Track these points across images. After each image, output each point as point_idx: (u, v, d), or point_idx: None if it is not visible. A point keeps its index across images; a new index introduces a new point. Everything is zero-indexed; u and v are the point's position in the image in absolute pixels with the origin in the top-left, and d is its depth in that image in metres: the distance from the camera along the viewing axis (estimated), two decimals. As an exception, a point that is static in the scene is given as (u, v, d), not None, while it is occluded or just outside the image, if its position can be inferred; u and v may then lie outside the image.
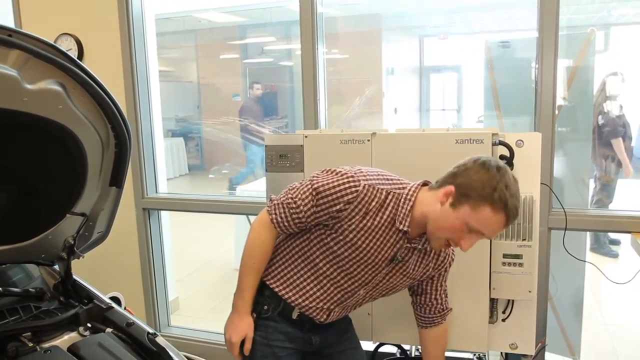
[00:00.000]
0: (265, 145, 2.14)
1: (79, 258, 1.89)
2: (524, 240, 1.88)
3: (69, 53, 1.37)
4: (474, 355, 2.24)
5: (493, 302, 1.97)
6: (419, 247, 1.59)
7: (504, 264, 1.91)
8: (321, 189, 1.51)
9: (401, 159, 1.95)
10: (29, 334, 1.63)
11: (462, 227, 1.43)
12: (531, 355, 2.03)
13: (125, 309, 1.90)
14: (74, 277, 1.88)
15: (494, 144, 1.86)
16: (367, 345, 2.25)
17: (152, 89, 3.25)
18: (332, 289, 1.62)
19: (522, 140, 1.90)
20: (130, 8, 3.06)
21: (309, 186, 1.54)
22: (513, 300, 1.97)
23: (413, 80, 9.01)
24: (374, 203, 1.51)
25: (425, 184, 1.56)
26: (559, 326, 2.92)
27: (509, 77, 3.15)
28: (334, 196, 1.50)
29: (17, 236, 1.75)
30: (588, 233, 3.96)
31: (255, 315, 1.66)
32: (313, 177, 1.57)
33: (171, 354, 1.61)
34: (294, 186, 1.58)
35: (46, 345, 1.62)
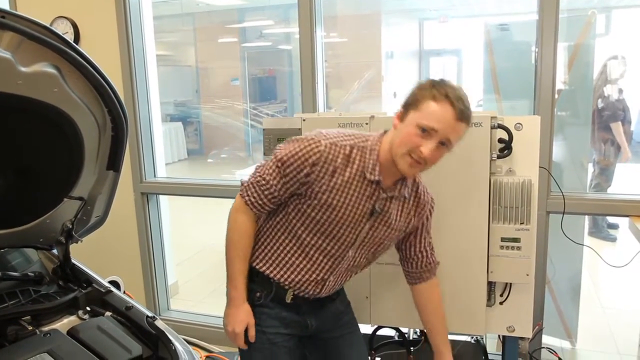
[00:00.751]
0: (263, 129, 2.13)
1: (77, 242, 1.89)
2: (522, 223, 1.88)
3: (63, 35, 1.35)
4: (472, 337, 2.25)
5: (491, 285, 1.98)
6: (396, 194, 1.59)
7: (502, 247, 1.91)
8: (285, 158, 1.51)
9: (400, 142, 1.94)
10: (29, 317, 1.65)
11: (415, 130, 1.44)
12: (528, 338, 2.04)
13: (124, 293, 1.91)
14: (73, 261, 1.88)
15: (492, 127, 1.85)
16: (365, 328, 2.27)
17: (150, 73, 3.23)
18: (320, 257, 1.61)
19: (521, 124, 1.89)
20: (126, -10, 3.03)
21: (274, 159, 1.54)
22: (511, 284, 1.97)
23: (412, 64, 8.95)
24: (339, 160, 1.51)
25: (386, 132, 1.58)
26: (556, 309, 2.93)
27: (508, 60, 3.13)
28: (299, 162, 1.50)
29: (15, 220, 1.76)
30: (586, 217, 3.97)
31: (248, 303, 1.65)
32: (276, 150, 1.56)
33: (170, 337, 1.62)
34: (260, 164, 1.59)
35: (46, 328, 1.63)
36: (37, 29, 1.27)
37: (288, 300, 1.65)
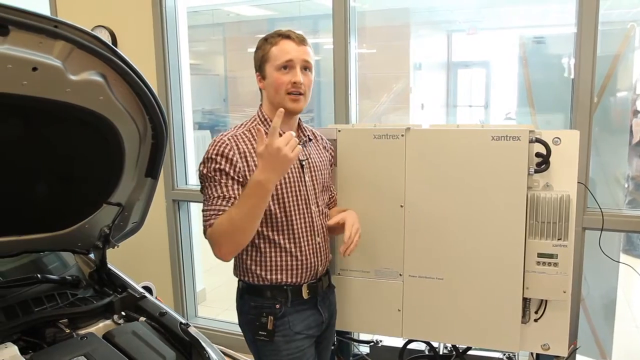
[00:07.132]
0: (297, 139, 2.14)
1: (113, 247, 1.92)
2: (559, 239, 1.85)
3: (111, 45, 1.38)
4: (504, 354, 2.21)
5: (526, 301, 1.94)
6: (304, 139, 1.78)
7: (538, 263, 1.87)
8: (212, 156, 1.61)
9: (435, 154, 1.93)
10: (66, 320, 1.68)
11: (279, 74, 1.65)
12: (564, 357, 1.99)
13: (156, 298, 1.92)
14: (109, 265, 1.91)
15: (530, 142, 1.83)
16: (396, 342, 2.25)
17: (184, 82, 3.28)
18: (298, 229, 1.71)
19: (559, 138, 1.86)
20: (163, 1, 3.09)
21: (212, 174, 1.61)
22: (546, 301, 1.93)
23: (440, 76, 8.90)
24: (247, 141, 1.66)
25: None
26: (590, 328, 2.86)
27: (542, 73, 3.10)
28: (222, 154, 1.60)
29: (55, 225, 1.79)
30: (622, 234, 3.87)
31: (272, 317, 1.70)
32: (204, 177, 1.64)
33: (203, 344, 1.63)
34: (208, 193, 1.63)
35: (82, 332, 1.66)
36: (87, 38, 1.31)
37: (305, 297, 1.74)
